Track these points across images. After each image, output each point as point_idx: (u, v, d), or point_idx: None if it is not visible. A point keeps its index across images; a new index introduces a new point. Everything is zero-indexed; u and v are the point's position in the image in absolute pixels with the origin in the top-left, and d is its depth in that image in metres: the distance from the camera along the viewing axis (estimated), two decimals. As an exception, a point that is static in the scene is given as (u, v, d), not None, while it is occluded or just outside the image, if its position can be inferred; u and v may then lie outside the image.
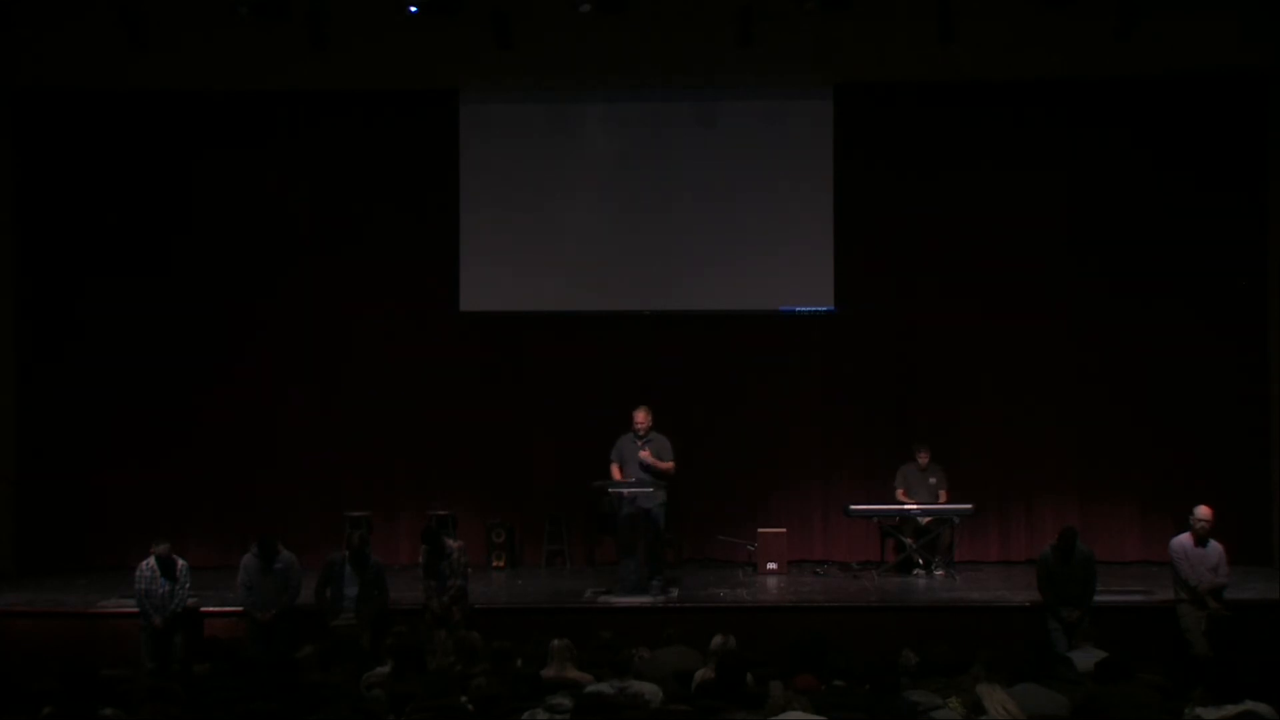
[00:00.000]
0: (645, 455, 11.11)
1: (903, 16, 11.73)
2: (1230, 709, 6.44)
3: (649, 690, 7.09)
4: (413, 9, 11.37)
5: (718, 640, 8.02)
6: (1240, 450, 12.61)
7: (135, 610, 10.14)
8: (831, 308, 12.94)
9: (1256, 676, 6.94)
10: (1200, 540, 9.91)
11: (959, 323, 12.93)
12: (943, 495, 12.21)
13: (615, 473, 11.27)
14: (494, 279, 13.00)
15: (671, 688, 7.35)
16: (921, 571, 11.98)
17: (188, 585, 10.18)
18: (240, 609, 10.24)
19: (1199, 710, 6.54)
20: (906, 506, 12.10)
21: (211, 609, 10.64)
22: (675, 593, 11.15)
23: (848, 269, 12.91)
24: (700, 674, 7.71)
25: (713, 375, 13.07)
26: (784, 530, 12.45)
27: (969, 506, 12.06)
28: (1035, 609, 10.28)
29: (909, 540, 12.06)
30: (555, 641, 7.94)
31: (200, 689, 7.14)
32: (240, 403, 13.02)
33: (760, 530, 12.43)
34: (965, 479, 12.45)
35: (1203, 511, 9.95)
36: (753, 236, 12.87)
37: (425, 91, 12.98)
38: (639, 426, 11.25)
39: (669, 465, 11.22)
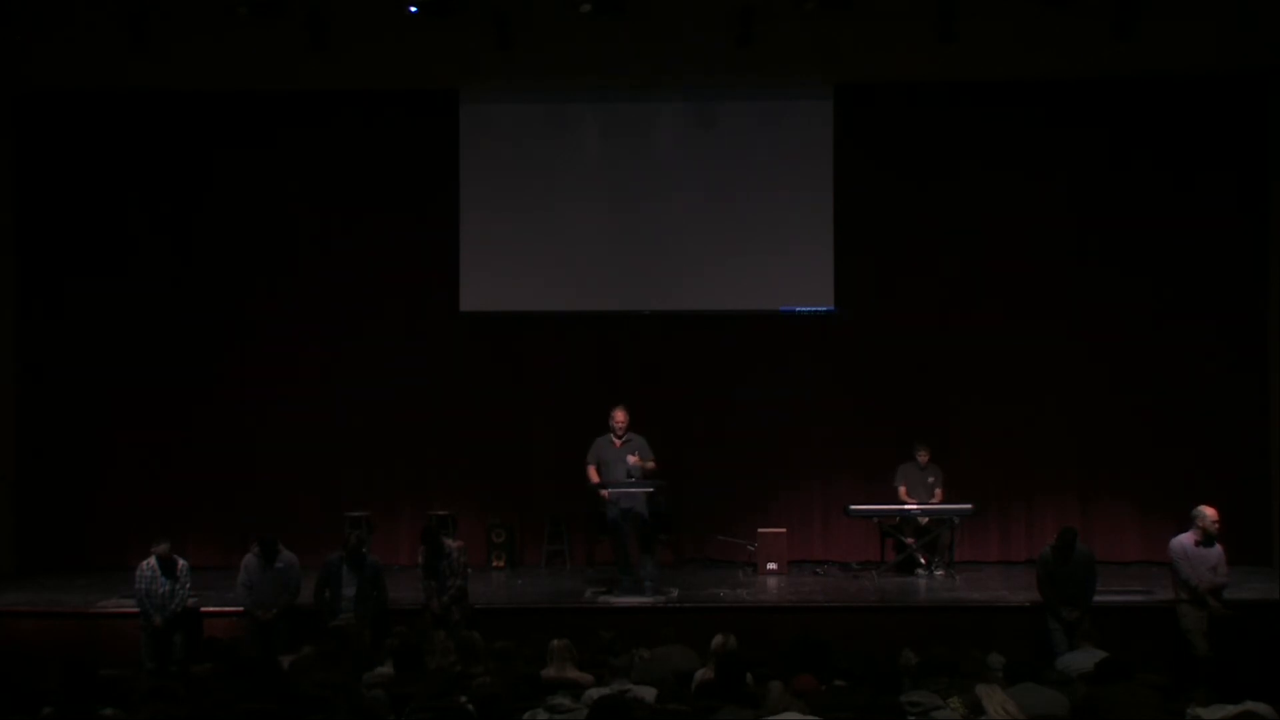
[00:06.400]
0: (634, 460, 11.04)
1: (903, 16, 11.72)
2: (1230, 709, 6.45)
3: (648, 695, 7.09)
4: (413, 9, 11.36)
5: (718, 640, 8.01)
6: (1240, 450, 12.60)
7: (135, 610, 10.15)
8: (831, 308, 12.94)
9: (1256, 676, 6.95)
10: (1207, 540, 9.88)
11: (959, 323, 12.94)
12: (938, 494, 12.21)
13: (592, 474, 11.19)
14: (494, 279, 13.00)
15: (671, 688, 7.35)
16: (922, 571, 11.99)
17: (188, 585, 10.21)
18: (240, 609, 10.26)
19: (1199, 710, 6.54)
20: (907, 506, 12.10)
21: (211, 609, 10.65)
22: (675, 593, 11.13)
23: (848, 269, 12.92)
24: (700, 674, 7.72)
25: (713, 375, 13.07)
26: (784, 530, 12.46)
27: (969, 506, 12.06)
28: (1035, 609, 10.27)
29: (909, 540, 12.06)
30: (555, 641, 7.95)
31: (200, 689, 7.15)
32: (240, 402, 13.03)
33: (760, 530, 12.44)
34: (965, 479, 12.46)
35: (1211, 512, 9.89)
36: (753, 236, 12.87)
37: (425, 92, 12.98)
38: (618, 425, 11.20)
39: (653, 464, 11.16)
